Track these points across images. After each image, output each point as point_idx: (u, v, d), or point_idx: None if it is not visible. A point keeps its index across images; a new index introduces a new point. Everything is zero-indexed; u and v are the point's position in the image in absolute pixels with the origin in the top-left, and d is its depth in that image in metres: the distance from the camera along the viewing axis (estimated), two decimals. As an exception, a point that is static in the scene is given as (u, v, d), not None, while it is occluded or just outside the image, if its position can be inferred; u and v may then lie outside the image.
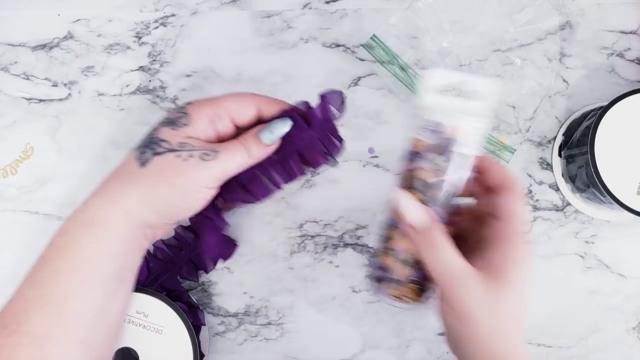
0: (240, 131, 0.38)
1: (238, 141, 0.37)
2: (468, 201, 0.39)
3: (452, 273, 0.33)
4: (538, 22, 0.50)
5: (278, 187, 0.41)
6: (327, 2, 0.51)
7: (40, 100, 0.50)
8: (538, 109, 0.50)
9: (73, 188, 0.50)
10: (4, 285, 0.49)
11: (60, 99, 0.50)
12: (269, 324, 0.50)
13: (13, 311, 0.33)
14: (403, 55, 0.50)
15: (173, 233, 0.46)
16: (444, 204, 0.36)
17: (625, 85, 0.51)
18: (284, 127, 0.37)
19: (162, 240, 0.47)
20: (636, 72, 0.51)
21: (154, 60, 0.50)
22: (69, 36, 0.50)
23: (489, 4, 0.50)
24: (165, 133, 0.36)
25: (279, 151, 0.38)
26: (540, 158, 0.51)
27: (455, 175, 0.35)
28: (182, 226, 0.46)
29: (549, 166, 0.51)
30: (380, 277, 0.38)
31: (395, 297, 0.38)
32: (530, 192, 0.50)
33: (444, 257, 0.34)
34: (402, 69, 0.49)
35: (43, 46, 0.50)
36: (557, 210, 0.50)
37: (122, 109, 0.50)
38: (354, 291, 0.50)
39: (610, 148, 0.44)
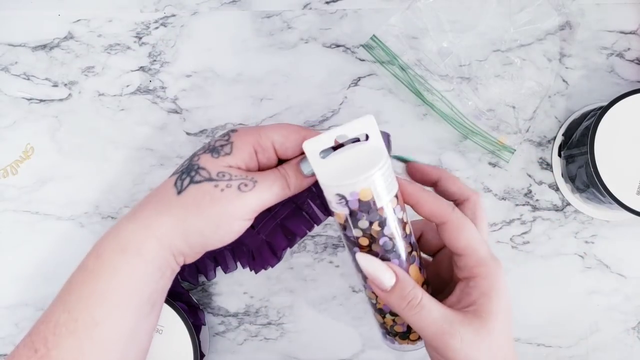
0: (281, 162, 0.37)
1: (278, 171, 0.36)
2: (425, 257, 0.39)
3: (439, 328, 0.32)
4: (538, 22, 0.50)
5: (319, 221, 0.39)
6: (327, 3, 0.51)
7: (41, 101, 0.50)
8: (538, 109, 0.50)
9: (73, 188, 0.50)
10: (5, 285, 0.49)
11: (61, 99, 0.50)
12: (269, 323, 0.50)
13: (44, 334, 0.33)
14: (403, 56, 0.50)
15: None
16: (402, 246, 0.34)
17: (625, 85, 0.51)
18: None
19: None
20: (636, 72, 0.51)
21: (154, 60, 0.51)
22: (69, 36, 0.50)
23: (488, 4, 0.50)
24: (206, 161, 0.35)
25: (318, 184, 0.36)
26: (540, 158, 0.51)
27: (392, 219, 0.33)
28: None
29: (548, 166, 0.51)
30: (385, 332, 0.38)
31: (409, 343, 0.37)
32: (530, 192, 0.50)
33: (424, 313, 0.33)
34: (402, 69, 0.49)
35: (43, 46, 0.50)
36: (556, 210, 0.50)
37: (122, 109, 0.50)
38: (354, 291, 0.50)
39: (610, 148, 0.44)
